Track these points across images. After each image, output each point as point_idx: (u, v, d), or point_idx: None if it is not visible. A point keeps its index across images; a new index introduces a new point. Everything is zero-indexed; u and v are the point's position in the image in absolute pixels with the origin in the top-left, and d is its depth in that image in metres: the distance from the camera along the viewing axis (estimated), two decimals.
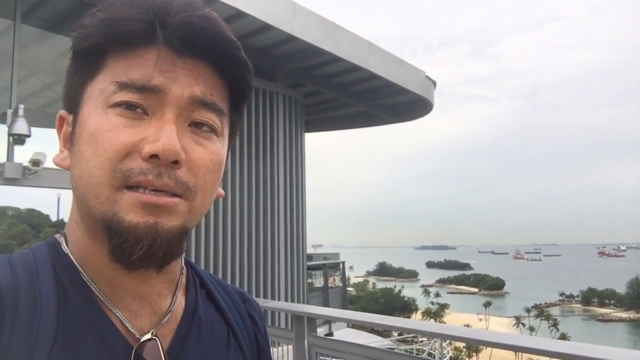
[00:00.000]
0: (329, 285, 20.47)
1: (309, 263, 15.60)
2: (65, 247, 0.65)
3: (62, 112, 0.67)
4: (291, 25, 10.34)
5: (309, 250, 17.66)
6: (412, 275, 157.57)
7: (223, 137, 0.66)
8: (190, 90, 0.60)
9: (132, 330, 0.63)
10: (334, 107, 15.29)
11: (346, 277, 23.46)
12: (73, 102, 0.64)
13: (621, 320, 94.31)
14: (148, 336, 0.63)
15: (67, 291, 0.61)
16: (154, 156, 0.57)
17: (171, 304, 0.69)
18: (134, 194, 0.57)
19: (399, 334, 19.24)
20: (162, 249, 0.58)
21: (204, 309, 0.74)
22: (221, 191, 0.70)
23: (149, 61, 0.59)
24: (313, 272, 19.55)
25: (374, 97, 14.18)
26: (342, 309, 19.42)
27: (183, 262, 0.75)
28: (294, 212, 12.76)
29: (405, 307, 73.97)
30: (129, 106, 0.59)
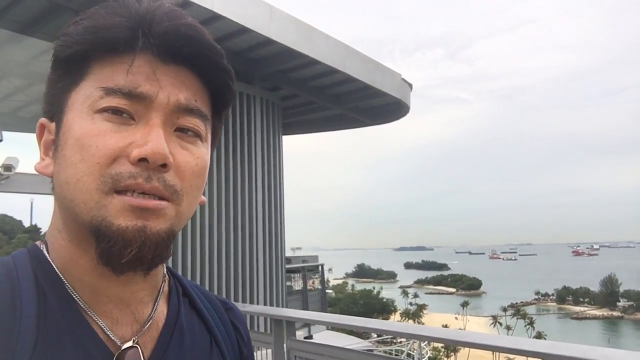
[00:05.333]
0: (308, 287, 20.47)
1: (288, 266, 15.58)
2: (47, 254, 0.65)
3: (43, 119, 0.67)
4: (268, 28, 10.33)
5: (288, 253, 17.64)
6: (390, 276, 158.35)
7: (207, 143, 0.67)
8: (176, 98, 0.61)
9: (113, 338, 0.62)
10: (311, 110, 15.33)
11: (325, 280, 23.46)
12: (55, 110, 0.64)
13: (595, 317, 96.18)
14: (129, 344, 0.63)
15: (48, 299, 0.61)
16: (142, 160, 0.57)
17: (152, 311, 0.69)
18: (123, 198, 0.57)
19: (378, 335, 19.32)
20: (151, 252, 0.58)
21: (187, 317, 0.74)
22: (203, 198, 0.70)
23: (134, 68, 0.60)
24: (292, 275, 19.53)
25: (350, 100, 14.25)
26: (321, 311, 19.43)
27: (165, 270, 0.75)
28: (273, 215, 12.74)
29: (384, 308, 74.27)
30: (116, 111, 0.59)
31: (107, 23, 0.60)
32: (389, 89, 13.49)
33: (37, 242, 0.68)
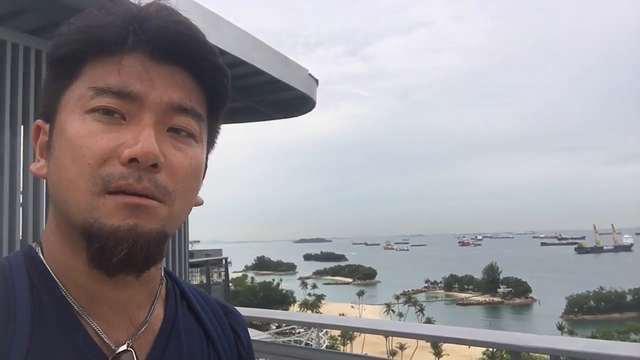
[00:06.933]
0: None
1: (191, 260, 15.35)
2: (42, 256, 0.64)
3: (39, 121, 0.66)
4: None
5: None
6: (290, 268, 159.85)
7: (202, 143, 0.66)
8: (168, 97, 0.60)
9: (107, 342, 0.62)
10: None
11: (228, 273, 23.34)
12: (50, 111, 0.63)
13: (478, 303, 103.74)
14: (124, 347, 0.62)
15: (43, 301, 0.60)
16: (133, 160, 0.56)
17: (148, 314, 0.68)
18: (115, 198, 0.57)
19: (277, 327, 19.63)
20: (143, 252, 0.57)
21: (184, 320, 0.73)
22: (200, 199, 0.69)
23: (126, 67, 0.59)
24: (192, 270, 19.24)
25: (259, 93, 14.25)
26: None
27: (163, 272, 0.75)
28: None
29: (284, 300, 75.01)
30: (107, 111, 0.58)
31: (99, 22, 0.60)
32: (296, 84, 13.63)
33: (33, 244, 0.67)
